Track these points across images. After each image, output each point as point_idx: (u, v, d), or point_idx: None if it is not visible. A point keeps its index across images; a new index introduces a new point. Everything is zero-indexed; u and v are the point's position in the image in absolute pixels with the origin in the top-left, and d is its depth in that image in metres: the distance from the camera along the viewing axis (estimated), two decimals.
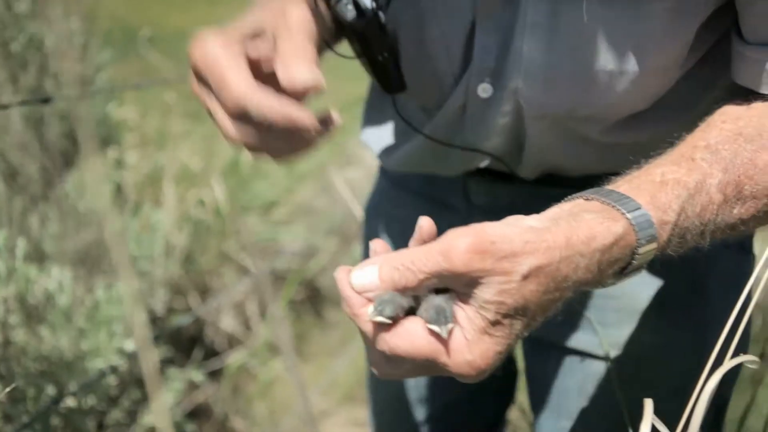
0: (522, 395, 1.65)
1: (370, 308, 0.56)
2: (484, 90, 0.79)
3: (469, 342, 0.55)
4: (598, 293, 0.91)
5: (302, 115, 0.65)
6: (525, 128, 0.81)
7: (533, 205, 0.89)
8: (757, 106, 0.70)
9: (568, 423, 0.96)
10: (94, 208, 1.74)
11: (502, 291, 0.54)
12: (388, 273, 0.57)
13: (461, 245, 0.54)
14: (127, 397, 1.67)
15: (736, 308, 0.69)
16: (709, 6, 0.71)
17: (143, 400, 1.73)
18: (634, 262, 0.61)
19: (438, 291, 0.57)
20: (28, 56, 1.73)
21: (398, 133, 0.98)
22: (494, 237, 0.54)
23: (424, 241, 0.61)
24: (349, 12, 0.77)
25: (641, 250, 0.60)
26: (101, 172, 1.81)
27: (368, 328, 0.57)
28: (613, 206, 0.60)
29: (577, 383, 0.94)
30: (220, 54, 0.65)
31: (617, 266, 0.61)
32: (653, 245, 0.61)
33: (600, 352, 0.92)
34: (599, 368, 0.92)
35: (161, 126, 2.56)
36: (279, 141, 0.69)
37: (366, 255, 0.62)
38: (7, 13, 1.66)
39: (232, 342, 2.33)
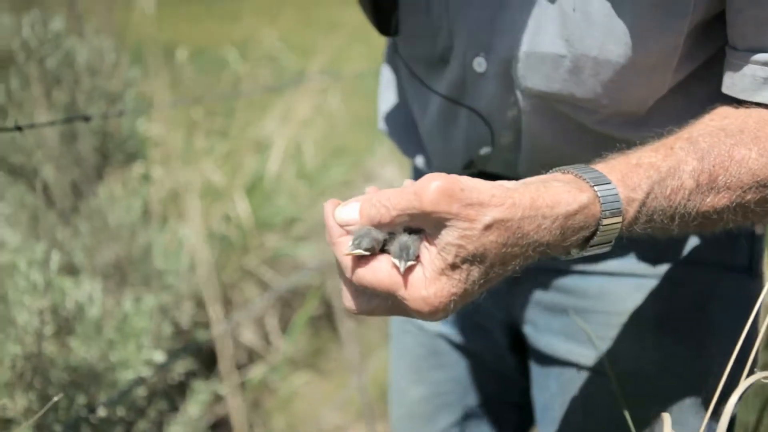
0: None
1: (349, 242, 0.60)
2: (479, 64, 0.82)
3: (426, 279, 0.59)
4: (603, 309, 0.93)
5: None
6: (520, 110, 0.83)
7: None
8: (746, 108, 0.73)
9: None
10: (123, 221, 1.77)
11: (464, 236, 0.58)
12: (367, 209, 0.61)
13: (432, 186, 0.58)
14: (153, 408, 1.69)
15: (745, 329, 0.70)
16: (699, 11, 0.73)
17: (170, 411, 1.75)
18: (598, 233, 0.64)
19: (412, 231, 0.61)
20: (62, 73, 1.77)
21: (410, 103, 1.00)
22: (464, 185, 0.58)
23: None
24: None
25: (605, 222, 0.63)
26: (130, 187, 1.85)
27: (344, 259, 0.61)
28: (583, 178, 0.63)
29: (581, 399, 0.96)
30: None
31: (581, 235, 0.64)
32: (618, 219, 0.64)
33: (603, 368, 0.93)
34: (602, 384, 0.93)
35: (186, 142, 2.60)
36: None
37: None
38: (42, 30, 1.71)
39: (253, 356, 2.35)
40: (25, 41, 1.69)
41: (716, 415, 0.88)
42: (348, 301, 0.64)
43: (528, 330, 1.00)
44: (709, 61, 0.80)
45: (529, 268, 0.95)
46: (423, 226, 0.60)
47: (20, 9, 1.76)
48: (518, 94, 0.82)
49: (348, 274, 0.62)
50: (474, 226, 0.58)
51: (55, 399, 0.93)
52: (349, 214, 0.62)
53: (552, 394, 0.99)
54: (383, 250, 0.61)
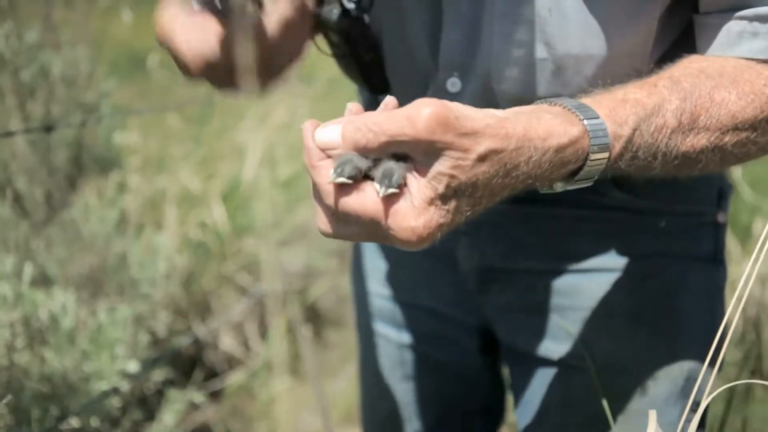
0: (512, 414, 1.67)
1: (330, 171, 0.57)
2: (453, 84, 0.82)
3: (415, 209, 0.57)
4: (576, 306, 0.94)
5: None
6: None
7: (513, 225, 0.92)
8: (722, 57, 0.74)
9: None
10: (98, 232, 1.77)
11: (457, 166, 0.57)
12: (351, 133, 0.58)
13: (426, 112, 0.56)
14: (128, 417, 1.70)
15: (725, 318, 0.71)
16: None
17: (144, 420, 1.75)
18: (585, 167, 0.64)
19: (397, 158, 0.58)
20: (36, 84, 1.77)
21: None
22: (458, 113, 0.57)
23: None
24: (334, 13, 0.82)
25: (593, 157, 0.64)
26: (105, 197, 1.85)
27: (325, 186, 0.59)
28: (573, 112, 0.64)
29: (558, 395, 0.97)
30: None
31: (568, 168, 0.64)
32: (605, 154, 0.64)
33: (580, 364, 0.94)
34: (580, 379, 0.95)
35: (162, 149, 2.60)
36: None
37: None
38: (17, 42, 1.71)
39: (232, 363, 2.36)
40: None
41: (694, 404, 0.90)
42: (324, 224, 0.62)
43: (503, 331, 1.01)
44: (677, 42, 0.82)
45: (501, 269, 0.96)
46: (411, 153, 0.58)
47: None
48: (498, 103, 0.81)
49: (329, 201, 0.59)
50: (468, 156, 0.57)
51: None
52: (330, 137, 0.59)
53: (530, 391, 1.00)
54: (366, 176, 0.58)
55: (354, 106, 0.63)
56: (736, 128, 0.71)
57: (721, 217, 0.96)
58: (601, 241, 0.92)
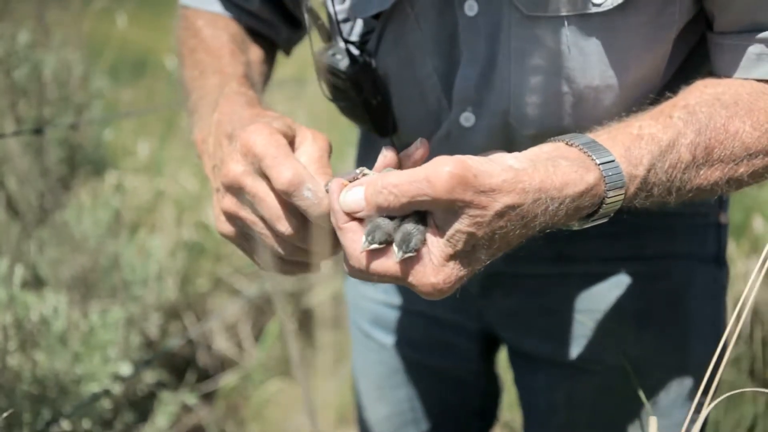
0: (505, 413, 1.68)
1: (363, 239, 0.61)
2: (467, 119, 0.82)
3: (434, 267, 0.61)
4: (584, 308, 0.94)
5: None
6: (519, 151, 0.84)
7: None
8: (738, 79, 0.75)
9: None
10: (90, 233, 1.77)
11: (475, 223, 0.59)
12: (373, 196, 0.61)
13: (445, 173, 0.58)
14: (121, 420, 1.69)
15: (731, 319, 0.71)
16: (683, 16, 0.75)
17: (137, 422, 1.75)
18: (601, 209, 0.66)
19: (420, 215, 0.61)
20: (29, 85, 1.77)
21: None
22: (476, 170, 0.59)
23: (416, 162, 0.67)
24: (341, 61, 0.81)
25: (608, 200, 0.65)
26: (98, 198, 1.85)
27: (348, 245, 0.62)
28: (588, 155, 0.65)
29: (563, 396, 0.97)
30: (271, 141, 0.67)
31: (585, 212, 0.66)
32: (620, 195, 0.66)
33: (587, 366, 0.95)
34: (586, 380, 0.95)
35: (159, 151, 2.60)
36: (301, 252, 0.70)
37: None
38: (10, 43, 1.71)
39: (225, 364, 2.36)
40: None
41: (699, 406, 0.90)
42: (352, 272, 0.65)
43: (508, 334, 1.01)
44: (687, 59, 0.82)
45: (506, 274, 0.96)
46: (431, 210, 0.60)
47: None
48: (516, 136, 0.81)
49: (357, 264, 0.62)
50: (486, 213, 0.59)
51: (9, 411, 0.94)
52: (354, 201, 0.62)
53: (537, 393, 1.00)
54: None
55: (389, 151, 0.67)
56: (749, 158, 0.71)
57: (723, 218, 0.96)
58: (607, 244, 0.92)
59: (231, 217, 0.72)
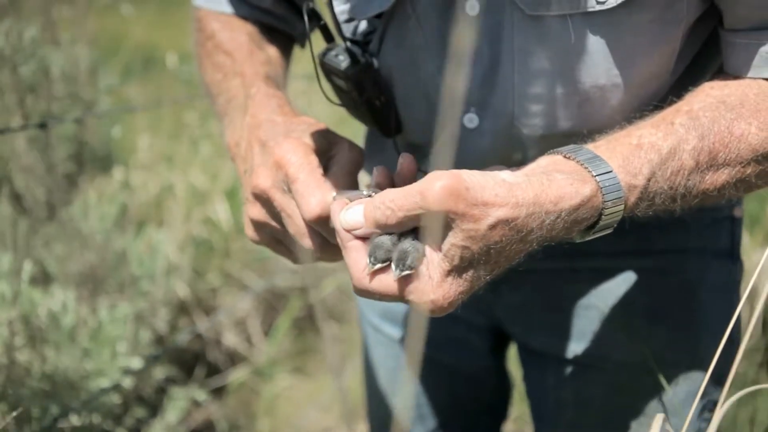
0: (516, 409, 1.66)
1: (367, 261, 0.62)
2: (470, 120, 0.81)
3: (433, 283, 0.60)
4: (593, 304, 0.93)
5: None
6: (525, 153, 0.82)
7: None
8: (746, 79, 0.73)
9: None
10: (98, 229, 1.77)
11: (469, 237, 0.59)
12: (371, 211, 0.62)
13: (437, 185, 0.58)
14: (131, 415, 1.70)
15: (730, 325, 0.71)
16: (691, 13, 0.73)
17: (147, 418, 1.75)
18: (601, 221, 0.64)
19: (418, 230, 0.62)
20: (36, 82, 1.77)
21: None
22: (469, 183, 0.59)
23: (405, 177, 0.68)
24: (343, 61, 0.81)
25: (607, 211, 0.64)
26: (107, 194, 1.85)
27: (352, 264, 0.63)
28: (585, 167, 0.64)
29: (575, 393, 0.96)
30: (304, 164, 0.70)
31: (584, 224, 0.65)
32: (620, 207, 0.64)
33: (596, 362, 0.93)
34: (596, 377, 0.94)
35: (167, 147, 2.60)
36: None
37: None
38: (18, 39, 1.71)
39: (235, 360, 2.36)
40: None
41: (710, 403, 0.90)
42: (358, 291, 0.65)
43: (517, 330, 1.00)
44: (700, 52, 0.80)
45: (515, 269, 0.96)
46: (428, 225, 0.61)
47: None
48: (524, 138, 0.80)
49: (360, 284, 0.63)
50: (478, 227, 0.58)
51: (18, 410, 0.94)
52: (354, 218, 0.63)
53: (546, 390, 0.99)
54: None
55: (380, 171, 0.69)
56: (757, 160, 0.70)
57: (737, 212, 0.94)
58: (618, 238, 0.91)
59: (259, 225, 0.76)
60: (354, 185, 0.75)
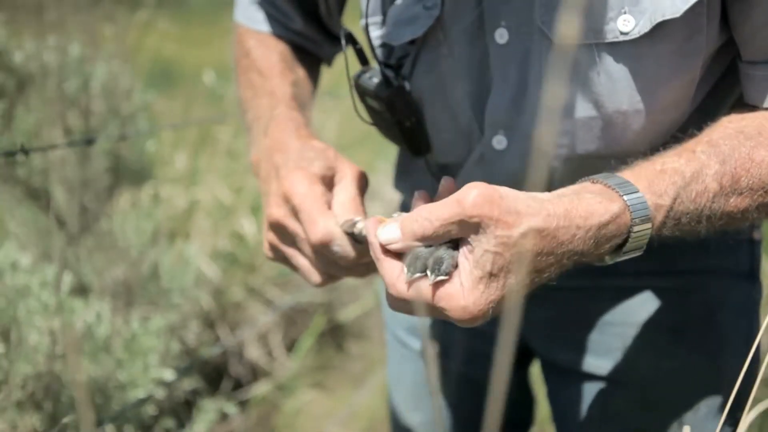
0: (538, 426, 1.67)
1: (405, 270, 0.65)
2: (499, 142, 0.85)
3: (465, 290, 0.63)
4: (617, 321, 0.96)
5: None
6: (551, 174, 0.86)
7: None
8: (762, 111, 0.76)
9: None
10: (132, 242, 1.81)
11: (502, 243, 0.61)
12: (409, 224, 0.65)
13: (474, 192, 0.61)
14: (160, 426, 1.72)
15: (758, 335, 0.73)
16: (711, 44, 0.76)
17: (176, 429, 1.78)
18: (630, 241, 0.67)
19: (455, 245, 0.64)
20: (78, 97, 1.81)
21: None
22: (502, 193, 0.62)
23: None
24: (377, 84, 0.85)
25: (636, 229, 0.67)
26: (141, 208, 1.89)
27: (386, 273, 0.66)
28: (613, 189, 0.67)
29: (599, 409, 0.98)
30: (308, 194, 0.79)
31: (614, 242, 0.67)
32: (648, 225, 0.67)
33: (620, 378, 0.96)
34: (619, 393, 0.96)
35: (195, 161, 2.64)
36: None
37: None
38: (61, 55, 1.75)
39: (257, 374, 2.38)
40: (44, 65, 1.73)
41: (732, 420, 0.91)
42: (391, 302, 0.69)
43: (541, 346, 1.03)
44: (717, 84, 0.84)
45: (543, 287, 0.99)
46: (462, 233, 0.63)
47: (39, 34, 1.81)
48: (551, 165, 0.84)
49: (395, 293, 0.66)
50: (511, 233, 0.61)
51: (64, 420, 0.97)
52: (390, 234, 0.66)
53: (570, 406, 1.01)
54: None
55: (421, 194, 0.72)
56: None
57: (756, 234, 0.97)
58: (640, 259, 0.93)
59: (275, 249, 0.84)
60: (358, 207, 0.81)
